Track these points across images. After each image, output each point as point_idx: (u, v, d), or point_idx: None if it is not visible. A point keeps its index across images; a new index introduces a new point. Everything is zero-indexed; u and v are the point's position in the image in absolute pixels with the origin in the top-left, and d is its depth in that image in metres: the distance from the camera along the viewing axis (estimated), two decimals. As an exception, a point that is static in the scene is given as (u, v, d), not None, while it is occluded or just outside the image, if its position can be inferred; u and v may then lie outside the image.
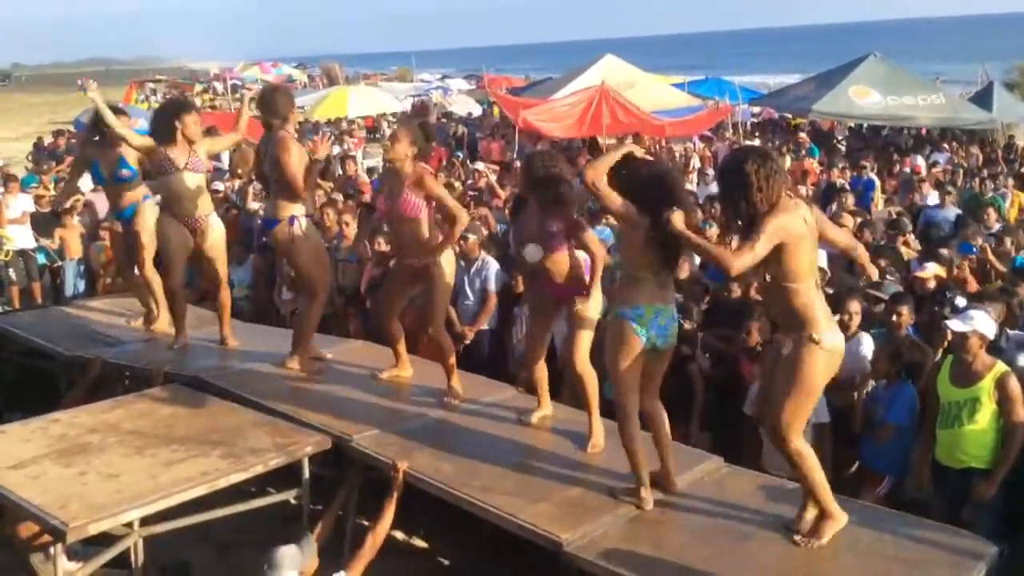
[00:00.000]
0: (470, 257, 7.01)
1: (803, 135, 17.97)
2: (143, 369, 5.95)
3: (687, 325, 5.88)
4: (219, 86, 37.96)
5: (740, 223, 3.68)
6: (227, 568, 5.06)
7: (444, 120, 23.79)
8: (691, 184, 12.12)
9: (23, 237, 10.35)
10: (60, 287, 10.35)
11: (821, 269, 4.18)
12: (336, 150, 15.73)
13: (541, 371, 5.14)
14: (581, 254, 4.75)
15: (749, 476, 4.65)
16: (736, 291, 6.33)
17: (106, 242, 8.84)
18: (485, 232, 7.98)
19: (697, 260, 7.23)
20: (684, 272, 6.73)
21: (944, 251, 6.82)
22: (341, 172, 13.07)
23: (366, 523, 4.27)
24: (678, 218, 3.63)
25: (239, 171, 13.16)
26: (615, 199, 3.98)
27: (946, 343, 5.21)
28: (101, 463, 4.52)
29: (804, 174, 12.77)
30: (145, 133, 6.29)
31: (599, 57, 19.84)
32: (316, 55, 75.52)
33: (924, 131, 18.10)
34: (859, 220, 8.44)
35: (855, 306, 5.53)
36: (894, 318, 5.58)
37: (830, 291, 5.57)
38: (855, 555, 3.86)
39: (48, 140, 21.17)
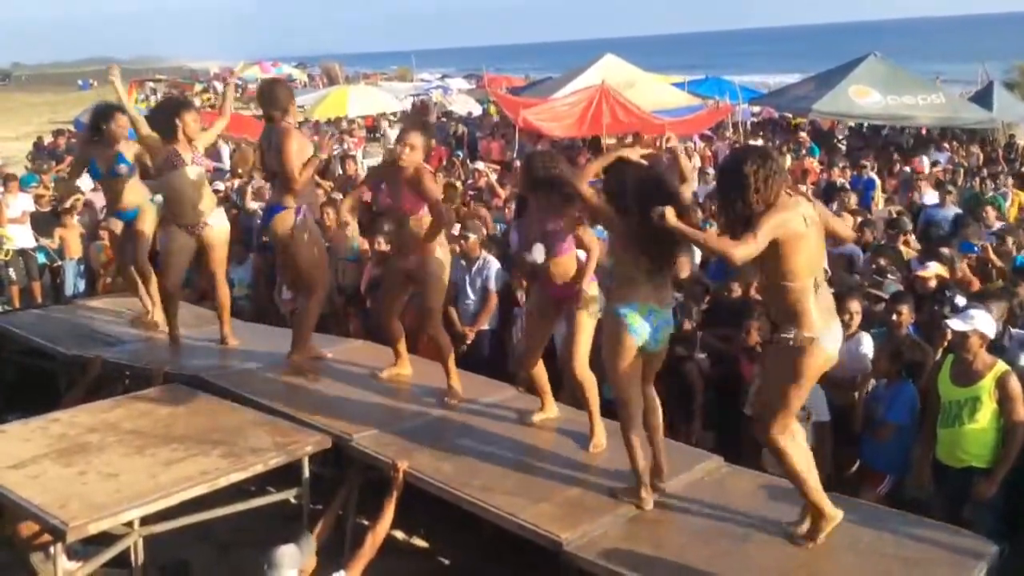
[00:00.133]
0: (471, 256, 7.01)
1: (803, 135, 17.97)
2: (143, 368, 5.94)
3: (687, 325, 5.88)
4: (219, 86, 37.89)
5: (736, 222, 3.66)
6: (227, 567, 5.06)
7: (444, 119, 23.79)
8: (692, 184, 12.08)
9: (23, 236, 10.35)
10: (60, 286, 10.35)
11: (824, 270, 4.17)
12: (336, 149, 15.73)
13: (540, 373, 5.14)
14: (583, 255, 4.75)
15: (749, 476, 4.64)
16: (736, 291, 6.33)
17: (106, 242, 8.83)
18: (485, 232, 7.97)
19: (697, 259, 7.24)
20: (685, 272, 6.74)
21: (945, 250, 6.82)
22: (341, 172, 13.06)
23: (366, 523, 4.27)
24: (670, 212, 3.61)
25: (239, 170, 13.17)
26: (591, 197, 4.09)
27: (945, 342, 5.20)
28: (101, 462, 4.52)
29: (804, 173, 12.76)
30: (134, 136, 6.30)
31: (599, 56, 19.82)
32: (316, 55, 75.53)
33: (924, 131, 18.10)
34: (859, 219, 8.44)
35: (855, 306, 5.53)
36: (894, 317, 5.58)
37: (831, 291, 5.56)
38: (855, 554, 3.86)
39: (48, 140, 21.17)
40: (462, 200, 10.27)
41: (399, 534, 5.18)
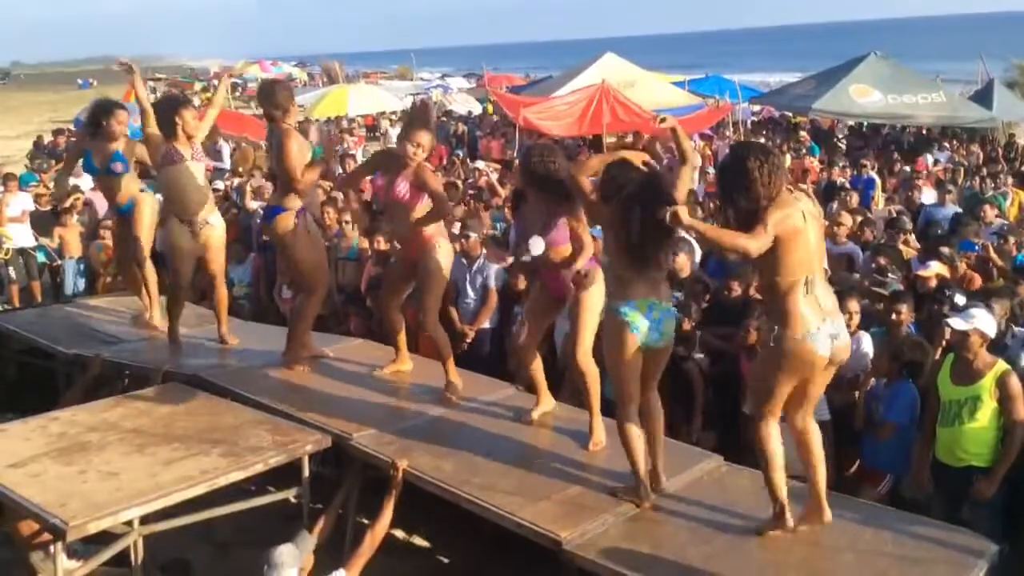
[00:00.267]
0: (471, 255, 7.01)
1: (803, 134, 17.96)
2: (143, 367, 5.94)
3: (686, 324, 5.88)
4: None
5: (738, 219, 3.66)
6: (227, 567, 5.05)
7: (444, 118, 23.79)
8: (692, 183, 12.10)
9: (23, 235, 10.35)
10: (60, 286, 10.34)
11: (824, 269, 4.18)
12: (338, 149, 15.71)
13: (537, 368, 5.14)
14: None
15: (749, 475, 4.63)
16: (736, 290, 6.33)
17: (106, 241, 8.84)
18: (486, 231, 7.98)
19: (698, 257, 7.23)
20: (685, 271, 6.74)
21: (945, 249, 6.82)
22: (341, 171, 13.04)
23: (366, 521, 4.27)
24: (683, 211, 3.57)
25: (239, 169, 13.17)
26: (587, 192, 4.14)
27: (944, 341, 5.20)
28: (101, 461, 4.52)
29: (804, 173, 12.76)
30: (139, 134, 6.30)
31: (599, 55, 19.81)
32: (316, 54, 75.50)
33: (924, 130, 18.09)
34: (859, 219, 8.44)
35: (854, 305, 5.52)
36: (894, 316, 5.58)
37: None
38: (855, 553, 3.86)
39: (48, 138, 21.16)
40: (462, 199, 10.28)
41: (399, 533, 5.18)
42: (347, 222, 8.09)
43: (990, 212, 8.69)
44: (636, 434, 4.18)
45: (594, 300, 4.64)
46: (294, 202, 5.54)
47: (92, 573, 4.14)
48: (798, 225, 3.59)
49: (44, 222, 10.53)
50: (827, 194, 10.72)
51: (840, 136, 18.80)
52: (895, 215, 9.07)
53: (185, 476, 4.37)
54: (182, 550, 4.85)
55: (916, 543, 3.93)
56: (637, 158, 4.21)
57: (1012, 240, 7.47)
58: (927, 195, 10.37)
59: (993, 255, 7.04)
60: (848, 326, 5.32)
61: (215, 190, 8.88)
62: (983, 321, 4.64)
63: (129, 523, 4.16)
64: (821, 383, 3.91)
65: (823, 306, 3.72)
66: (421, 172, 5.12)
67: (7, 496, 4.17)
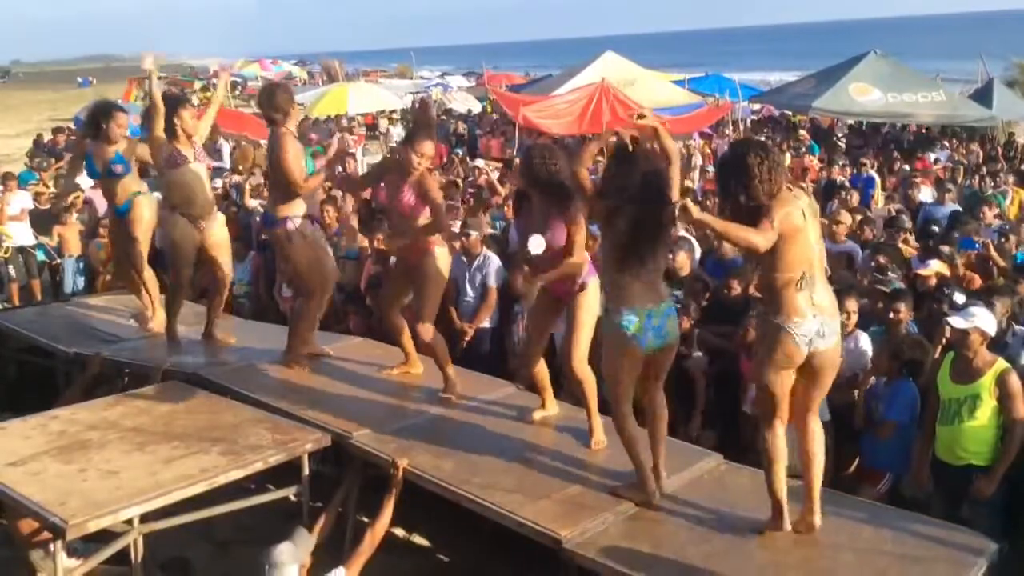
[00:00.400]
0: (472, 253, 7.01)
1: (803, 132, 17.94)
2: (143, 366, 5.94)
3: (685, 323, 5.88)
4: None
5: (738, 216, 3.65)
6: (227, 565, 5.05)
7: (444, 117, 23.77)
8: (692, 182, 12.11)
9: (22, 234, 10.36)
10: (59, 284, 10.35)
11: (823, 269, 4.16)
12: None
13: (541, 372, 5.13)
14: (585, 254, 4.74)
15: (749, 473, 4.63)
16: (736, 288, 6.32)
17: (105, 239, 8.84)
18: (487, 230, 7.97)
19: (697, 256, 7.23)
20: (685, 269, 6.74)
21: (945, 248, 6.82)
22: (341, 170, 13.04)
23: (367, 520, 4.27)
24: (693, 207, 3.49)
25: (239, 167, 13.17)
26: (586, 189, 4.18)
27: (944, 340, 5.20)
28: (101, 460, 4.52)
29: (804, 171, 12.76)
30: (138, 133, 6.28)
31: (599, 54, 19.81)
32: (316, 52, 75.47)
33: (924, 128, 18.08)
34: (859, 217, 8.43)
35: (852, 304, 5.51)
36: (893, 315, 5.58)
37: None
38: (855, 552, 3.86)
39: (47, 137, 21.15)
40: (462, 199, 10.27)
41: (399, 531, 5.18)
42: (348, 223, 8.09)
43: (989, 213, 8.69)
44: (635, 435, 4.18)
45: (591, 304, 4.67)
46: (294, 208, 5.55)
47: (92, 571, 4.14)
48: (798, 223, 3.60)
49: (44, 220, 10.54)
50: (827, 193, 10.72)
51: (840, 135, 18.78)
52: (895, 214, 9.07)
53: (185, 474, 4.37)
54: (182, 548, 4.85)
55: (916, 542, 3.93)
56: (625, 137, 4.09)
57: (1012, 239, 7.47)
58: (926, 193, 10.38)
59: (994, 254, 7.04)
60: (845, 325, 5.32)
61: (213, 188, 8.88)
62: (983, 319, 4.64)
63: (129, 521, 4.16)
64: (820, 385, 3.86)
65: (816, 303, 3.69)
66: (424, 182, 5.14)
67: (7, 494, 4.17)
